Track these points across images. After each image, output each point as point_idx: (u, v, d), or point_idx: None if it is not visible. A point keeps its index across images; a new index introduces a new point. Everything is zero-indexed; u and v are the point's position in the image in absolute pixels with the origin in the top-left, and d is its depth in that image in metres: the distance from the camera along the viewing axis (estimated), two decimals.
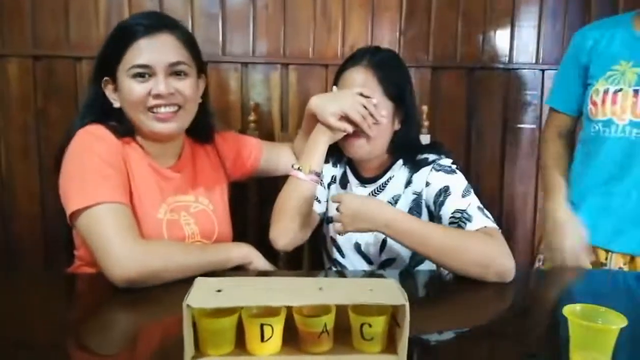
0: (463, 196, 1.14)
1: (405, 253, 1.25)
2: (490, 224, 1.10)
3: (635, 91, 1.28)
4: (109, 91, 1.12)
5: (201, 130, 1.25)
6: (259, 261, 1.15)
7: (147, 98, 1.09)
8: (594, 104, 1.33)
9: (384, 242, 1.26)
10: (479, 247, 1.04)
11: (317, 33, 1.74)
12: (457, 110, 1.84)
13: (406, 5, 1.75)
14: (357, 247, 1.30)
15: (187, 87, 1.12)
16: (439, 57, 1.80)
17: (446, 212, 1.14)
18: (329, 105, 1.18)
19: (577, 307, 0.76)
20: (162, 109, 1.10)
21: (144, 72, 1.08)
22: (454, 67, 1.81)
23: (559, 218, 1.35)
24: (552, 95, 1.51)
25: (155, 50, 1.08)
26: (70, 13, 1.65)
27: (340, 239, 1.32)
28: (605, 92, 1.31)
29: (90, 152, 1.05)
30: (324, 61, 1.74)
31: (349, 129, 1.18)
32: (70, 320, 0.92)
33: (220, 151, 1.33)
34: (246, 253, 1.14)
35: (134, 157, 1.12)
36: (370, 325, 0.73)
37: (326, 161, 1.32)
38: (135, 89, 1.08)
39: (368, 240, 1.28)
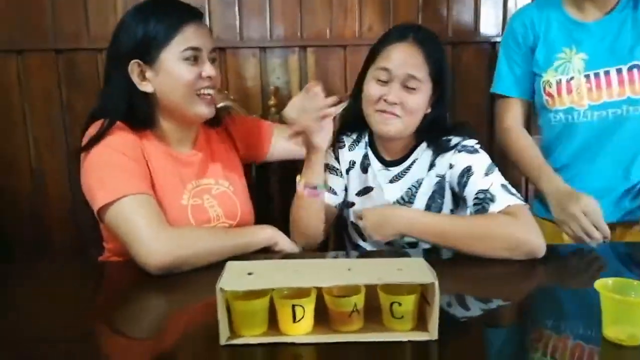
0: (486, 174, 1.13)
1: None
2: (515, 200, 1.09)
3: (587, 76, 1.29)
4: (134, 75, 1.11)
5: None
6: (284, 242, 1.17)
7: (197, 81, 1.12)
8: (550, 95, 1.34)
9: None
10: (504, 231, 1.04)
11: (334, 14, 1.72)
12: (478, 87, 1.80)
13: None
14: None
15: (218, 73, 1.18)
16: (459, 33, 1.77)
17: (470, 192, 1.14)
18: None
19: (609, 280, 0.76)
20: (208, 91, 1.14)
21: (196, 55, 1.11)
22: (474, 42, 1.78)
23: (564, 189, 1.27)
24: (501, 81, 1.45)
25: (202, 35, 1.13)
26: (89, 6, 1.67)
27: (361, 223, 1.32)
28: (559, 82, 1.32)
29: (108, 147, 1.07)
30: (342, 42, 1.73)
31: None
32: (102, 306, 0.95)
33: (232, 133, 1.34)
34: (271, 235, 1.15)
35: (151, 148, 1.14)
36: (400, 304, 0.74)
37: (342, 146, 1.33)
38: (186, 72, 1.10)
39: None
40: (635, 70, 1.28)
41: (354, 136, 1.34)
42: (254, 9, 1.71)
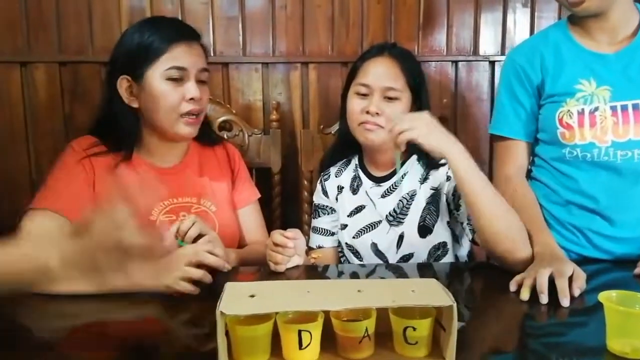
0: None
1: (421, 250, 1.25)
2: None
3: (613, 108, 1.15)
4: (123, 90, 1.13)
5: (203, 133, 1.26)
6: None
7: (181, 103, 1.12)
8: (568, 127, 1.18)
9: (400, 238, 1.26)
10: (518, 222, 1.03)
11: (336, 31, 1.74)
12: (480, 103, 1.82)
13: None
14: (374, 248, 1.30)
15: (207, 95, 1.20)
16: (459, 50, 1.79)
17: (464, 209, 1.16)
18: None
19: (613, 293, 0.75)
20: (190, 117, 1.14)
21: (181, 75, 1.11)
22: (474, 59, 1.79)
23: (556, 253, 1.08)
24: (503, 123, 1.27)
25: (190, 55, 1.13)
26: (94, 19, 1.68)
27: (356, 242, 1.31)
28: (580, 112, 1.16)
29: (69, 146, 1.15)
30: (343, 59, 1.74)
31: None
32: (93, 323, 0.91)
33: (232, 161, 1.33)
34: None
35: (128, 164, 1.16)
36: (414, 329, 0.69)
37: (326, 178, 1.37)
38: (170, 93, 1.11)
39: (384, 239, 1.28)
40: None
41: (340, 162, 1.39)
42: (257, 25, 1.72)
